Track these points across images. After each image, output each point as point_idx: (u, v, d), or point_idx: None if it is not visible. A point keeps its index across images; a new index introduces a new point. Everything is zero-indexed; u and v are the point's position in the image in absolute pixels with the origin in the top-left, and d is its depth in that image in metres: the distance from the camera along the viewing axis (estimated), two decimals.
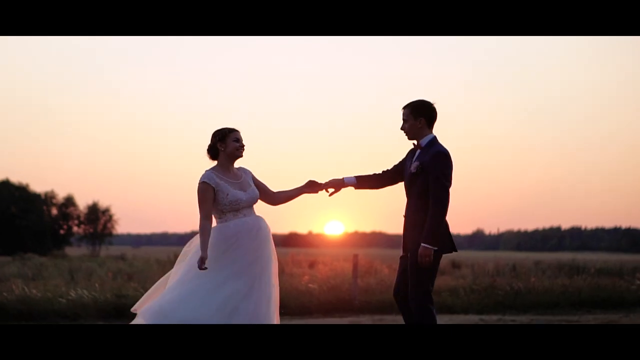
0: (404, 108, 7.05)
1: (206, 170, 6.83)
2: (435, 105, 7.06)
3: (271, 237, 6.96)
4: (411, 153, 7.14)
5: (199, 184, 6.74)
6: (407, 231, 7.01)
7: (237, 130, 6.90)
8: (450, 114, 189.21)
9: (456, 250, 7.08)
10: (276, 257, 6.97)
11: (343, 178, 7.23)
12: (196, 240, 6.84)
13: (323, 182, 7.23)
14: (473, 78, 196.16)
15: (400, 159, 7.29)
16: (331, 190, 7.23)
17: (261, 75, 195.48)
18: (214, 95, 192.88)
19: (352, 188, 7.30)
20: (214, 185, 6.75)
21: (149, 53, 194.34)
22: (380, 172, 7.30)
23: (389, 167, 7.32)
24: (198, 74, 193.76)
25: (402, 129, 7.08)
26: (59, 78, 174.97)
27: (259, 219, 6.90)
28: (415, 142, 7.06)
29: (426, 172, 6.84)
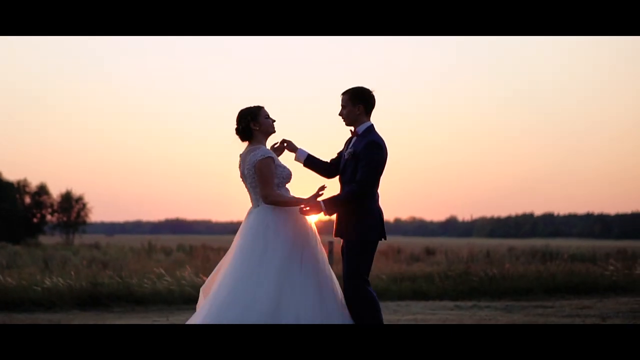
0: (343, 94, 6.97)
1: (259, 147, 6.68)
2: (375, 93, 6.97)
3: None
4: (348, 141, 7.08)
5: (264, 159, 6.59)
6: (340, 218, 6.93)
7: (263, 107, 6.80)
8: (425, 102, 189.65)
9: (385, 238, 6.98)
10: None
11: (299, 148, 7.14)
12: (247, 226, 6.68)
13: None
14: (448, 67, 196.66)
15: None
16: (282, 145, 7.11)
17: (240, 68, 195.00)
18: (188, 83, 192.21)
19: (301, 164, 7.18)
20: (275, 159, 6.67)
21: (127, 40, 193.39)
22: (329, 160, 7.22)
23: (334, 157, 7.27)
24: (175, 63, 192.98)
25: (340, 114, 7.00)
26: (31, 66, 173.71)
27: None
28: (352, 129, 7.00)
29: (357, 160, 6.80)
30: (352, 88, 6.97)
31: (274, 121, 6.81)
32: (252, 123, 6.72)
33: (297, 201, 6.61)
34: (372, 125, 6.95)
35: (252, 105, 6.79)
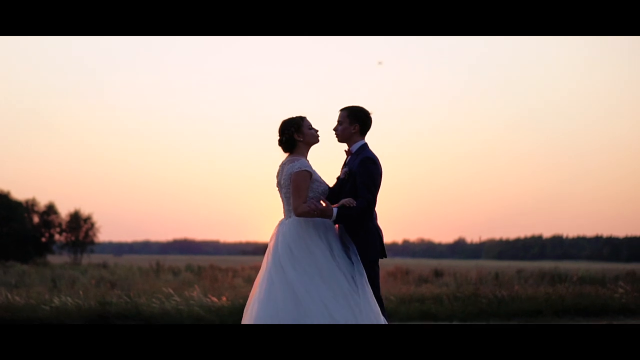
0: (342, 110, 6.99)
1: (299, 159, 6.63)
2: (372, 115, 7.00)
3: None
4: (344, 165, 7.08)
5: (301, 171, 6.54)
6: (340, 238, 6.88)
7: (305, 117, 6.75)
8: (435, 123, 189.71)
9: (386, 256, 6.97)
10: None
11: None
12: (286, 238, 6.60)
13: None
14: (457, 89, 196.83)
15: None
16: None
17: (252, 79, 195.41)
18: (197, 104, 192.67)
19: None
20: (312, 174, 6.63)
21: (136, 56, 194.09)
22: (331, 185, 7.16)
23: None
24: (183, 83, 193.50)
25: (334, 129, 7.01)
26: (40, 84, 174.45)
27: None
28: (346, 147, 7.02)
29: (354, 178, 6.79)
30: (352, 106, 7.00)
31: (317, 131, 6.78)
32: (296, 134, 6.69)
33: (323, 211, 6.56)
34: (365, 143, 6.98)
35: (294, 116, 6.74)
